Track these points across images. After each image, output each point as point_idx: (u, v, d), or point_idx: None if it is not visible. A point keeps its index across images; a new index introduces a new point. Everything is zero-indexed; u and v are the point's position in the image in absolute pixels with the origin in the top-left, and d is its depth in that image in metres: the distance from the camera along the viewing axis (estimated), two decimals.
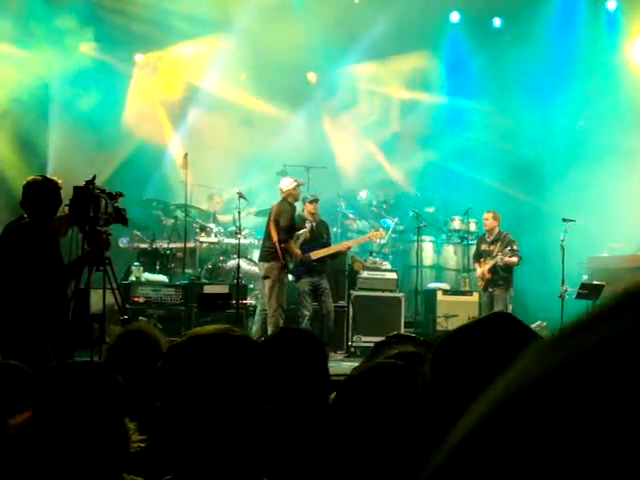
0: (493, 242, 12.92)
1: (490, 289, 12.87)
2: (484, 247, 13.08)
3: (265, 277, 11.39)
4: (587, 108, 15.04)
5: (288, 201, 11.66)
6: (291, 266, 11.57)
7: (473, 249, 13.91)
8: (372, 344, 3.36)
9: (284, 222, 11.45)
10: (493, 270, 12.78)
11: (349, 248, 12.86)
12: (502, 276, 12.78)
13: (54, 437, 2.37)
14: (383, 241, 14.37)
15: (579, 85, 14.99)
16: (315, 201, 12.16)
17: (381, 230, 13.68)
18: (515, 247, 12.71)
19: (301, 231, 11.85)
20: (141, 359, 3.65)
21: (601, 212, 13.43)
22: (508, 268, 12.78)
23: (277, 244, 11.31)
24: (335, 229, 14.20)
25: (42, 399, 2.46)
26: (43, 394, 2.46)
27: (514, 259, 12.68)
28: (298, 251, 11.63)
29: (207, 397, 2.20)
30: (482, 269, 12.96)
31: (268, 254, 11.45)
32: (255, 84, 15.90)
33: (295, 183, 11.78)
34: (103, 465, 2.36)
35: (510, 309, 12.60)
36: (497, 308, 12.66)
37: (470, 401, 0.60)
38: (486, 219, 13.15)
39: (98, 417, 2.40)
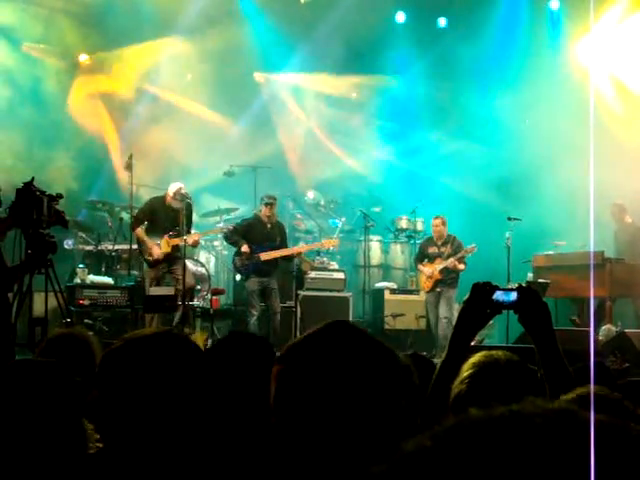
0: (444, 244, 13.15)
1: (438, 289, 13.07)
2: (433, 249, 13.25)
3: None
4: (532, 107, 15.12)
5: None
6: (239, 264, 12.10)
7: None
8: None
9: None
10: (445, 271, 13.00)
11: (300, 253, 12.89)
12: (451, 277, 13.06)
13: (12, 438, 2.29)
14: (336, 249, 14.30)
15: (524, 84, 15.08)
16: (268, 204, 12.22)
17: (334, 238, 13.64)
18: (464, 254, 13.05)
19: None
20: (71, 362, 3.58)
21: (547, 209, 13.54)
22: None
23: None
24: None
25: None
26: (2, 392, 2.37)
27: (462, 266, 13.00)
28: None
29: (145, 399, 2.15)
30: (432, 269, 13.09)
31: None
32: (202, 85, 15.78)
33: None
34: (64, 466, 2.30)
35: (455, 307, 12.70)
36: (442, 307, 12.98)
37: None
38: (436, 225, 13.30)
39: (58, 416, 2.33)
